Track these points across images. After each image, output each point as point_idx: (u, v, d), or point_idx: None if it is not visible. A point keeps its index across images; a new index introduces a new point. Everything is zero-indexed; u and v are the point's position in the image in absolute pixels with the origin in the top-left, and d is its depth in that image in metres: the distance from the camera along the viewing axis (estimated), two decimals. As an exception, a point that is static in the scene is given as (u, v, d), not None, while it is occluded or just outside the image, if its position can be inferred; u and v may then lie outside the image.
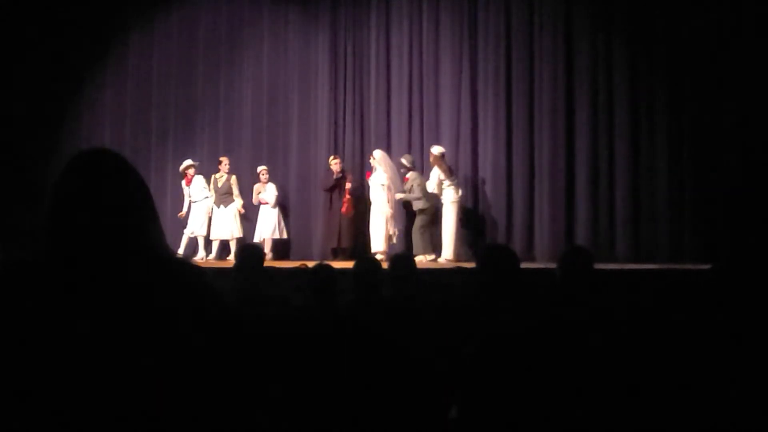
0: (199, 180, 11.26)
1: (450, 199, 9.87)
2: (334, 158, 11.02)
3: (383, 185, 10.13)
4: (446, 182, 9.87)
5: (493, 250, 3.44)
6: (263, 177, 11.16)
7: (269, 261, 10.59)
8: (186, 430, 1.39)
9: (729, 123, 9.26)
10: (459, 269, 6.08)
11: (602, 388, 2.47)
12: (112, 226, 1.42)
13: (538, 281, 4.24)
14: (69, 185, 1.45)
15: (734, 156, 9.14)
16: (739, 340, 1.64)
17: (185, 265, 1.52)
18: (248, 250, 4.66)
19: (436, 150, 10.00)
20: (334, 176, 10.91)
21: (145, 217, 1.46)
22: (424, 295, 4.27)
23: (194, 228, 11.21)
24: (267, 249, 10.92)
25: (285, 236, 11.31)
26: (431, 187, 9.96)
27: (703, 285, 1.79)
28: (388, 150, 10.80)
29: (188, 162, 11.27)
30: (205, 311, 1.46)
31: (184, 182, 11.33)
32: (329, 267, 4.10)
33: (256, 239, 10.99)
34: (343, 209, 10.77)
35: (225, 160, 11.22)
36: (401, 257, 4.45)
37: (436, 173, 9.93)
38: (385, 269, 4.28)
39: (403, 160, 10.28)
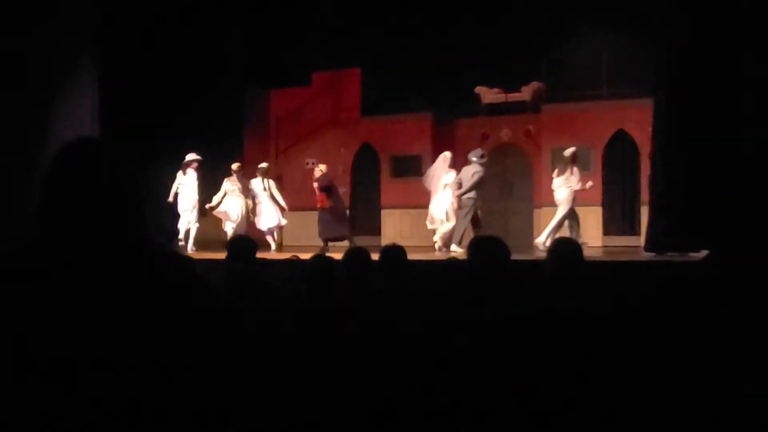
0: (191, 174, 11.72)
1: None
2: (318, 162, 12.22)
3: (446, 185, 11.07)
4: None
5: (484, 242, 3.45)
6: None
7: (274, 251, 11.01)
8: (178, 424, 1.39)
9: (723, 116, 9.29)
10: (451, 261, 6.07)
11: (593, 382, 2.48)
12: (99, 218, 1.42)
13: (529, 272, 4.25)
14: (56, 177, 1.44)
15: (728, 146, 9.17)
16: (735, 334, 1.63)
17: (174, 256, 1.52)
18: (240, 241, 4.65)
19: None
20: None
21: (132, 208, 1.46)
22: (415, 286, 4.28)
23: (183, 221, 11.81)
24: (271, 239, 11.93)
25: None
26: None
27: (696, 276, 1.78)
28: None
29: (192, 156, 11.78)
30: (196, 302, 1.46)
31: (180, 172, 11.78)
32: (327, 258, 4.08)
33: (264, 227, 11.86)
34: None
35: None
36: (391, 249, 4.44)
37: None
38: (375, 260, 4.29)
39: (471, 155, 11.08)
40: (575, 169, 10.64)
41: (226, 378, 1.49)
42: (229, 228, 11.74)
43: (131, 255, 1.43)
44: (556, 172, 10.80)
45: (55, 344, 1.34)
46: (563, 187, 10.47)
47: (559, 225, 10.51)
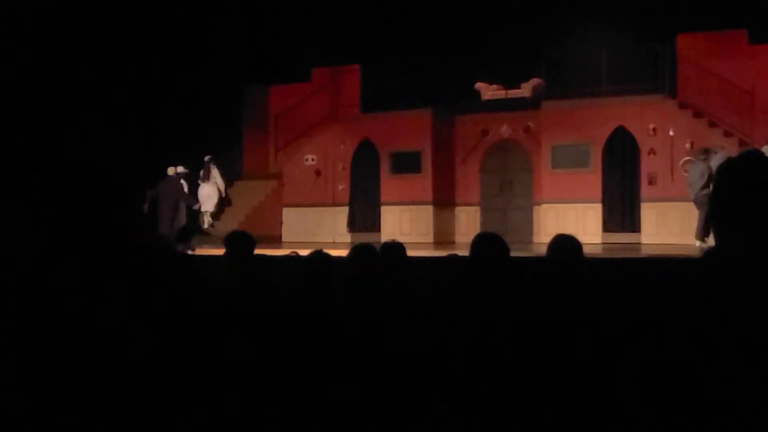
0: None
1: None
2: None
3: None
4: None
5: (483, 238, 3.43)
6: None
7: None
8: (175, 420, 1.39)
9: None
10: (451, 258, 6.06)
11: (588, 379, 2.47)
12: (102, 219, 1.42)
13: (528, 269, 4.24)
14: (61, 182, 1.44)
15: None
16: (736, 335, 1.59)
17: (174, 254, 1.52)
18: (238, 237, 4.62)
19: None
20: None
21: (130, 208, 1.46)
22: (414, 283, 4.27)
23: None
24: None
25: None
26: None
27: (697, 274, 1.74)
28: None
29: (179, 169, 13.23)
30: (193, 299, 1.46)
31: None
32: (326, 255, 4.06)
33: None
34: None
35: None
36: (391, 246, 4.42)
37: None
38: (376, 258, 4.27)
39: (697, 156, 11.69)
40: None
41: (224, 374, 1.48)
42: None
43: (134, 252, 1.43)
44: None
45: (58, 340, 1.34)
46: None
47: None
